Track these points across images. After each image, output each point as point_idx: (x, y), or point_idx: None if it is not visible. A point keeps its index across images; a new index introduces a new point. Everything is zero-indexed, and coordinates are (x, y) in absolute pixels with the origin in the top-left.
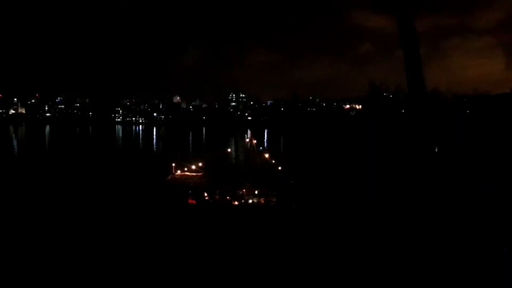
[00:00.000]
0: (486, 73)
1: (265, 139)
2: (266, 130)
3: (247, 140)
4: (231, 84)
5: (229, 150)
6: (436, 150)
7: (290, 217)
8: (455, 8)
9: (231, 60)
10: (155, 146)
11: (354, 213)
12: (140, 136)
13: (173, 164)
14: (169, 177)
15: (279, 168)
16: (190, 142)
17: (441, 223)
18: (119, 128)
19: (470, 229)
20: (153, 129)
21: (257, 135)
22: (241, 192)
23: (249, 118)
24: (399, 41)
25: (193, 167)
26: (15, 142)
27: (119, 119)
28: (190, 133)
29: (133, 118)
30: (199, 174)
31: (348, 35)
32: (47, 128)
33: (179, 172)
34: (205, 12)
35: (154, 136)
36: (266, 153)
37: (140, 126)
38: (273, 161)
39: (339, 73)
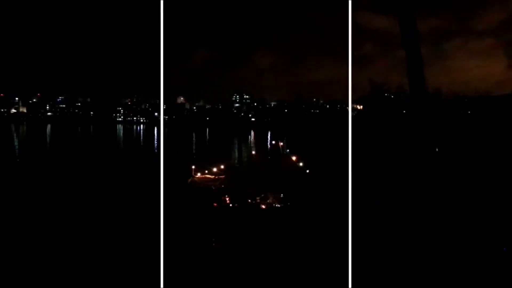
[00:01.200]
0: (487, 74)
1: (268, 140)
2: (269, 132)
3: (272, 143)
4: (235, 85)
5: (253, 152)
6: (437, 150)
7: (309, 220)
8: (457, 9)
9: (235, 61)
10: (155, 146)
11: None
12: (141, 137)
13: (193, 167)
14: (189, 180)
15: (307, 171)
16: (194, 142)
17: (441, 223)
18: (120, 127)
19: (471, 228)
20: (154, 129)
21: (260, 136)
22: (263, 195)
23: (253, 119)
24: (401, 41)
25: (214, 169)
26: (16, 141)
27: (120, 119)
28: (193, 134)
29: (134, 118)
30: (221, 176)
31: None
32: (48, 127)
33: (199, 174)
34: (209, 13)
35: (155, 137)
36: (293, 155)
37: (141, 126)
38: (301, 164)
39: (341, 73)
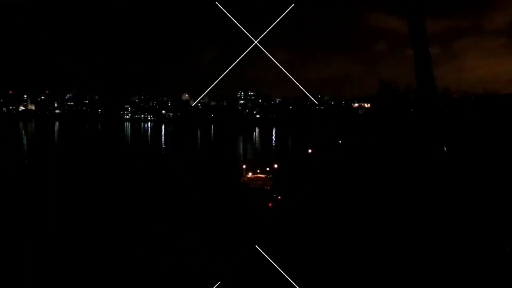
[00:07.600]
0: (497, 73)
1: (273, 137)
2: (274, 129)
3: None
4: (240, 82)
5: (309, 150)
6: (445, 149)
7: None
8: (468, 9)
9: (242, 58)
10: (164, 144)
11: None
12: (149, 134)
13: (244, 166)
14: (242, 179)
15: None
16: (199, 139)
17: (443, 222)
18: (127, 125)
19: (475, 228)
20: (161, 126)
21: (266, 133)
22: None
23: (258, 116)
24: (410, 40)
25: (267, 169)
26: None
27: (127, 116)
28: (199, 131)
29: (142, 115)
30: (270, 176)
31: (361, 35)
32: (57, 124)
33: (250, 174)
34: (214, 11)
35: (163, 134)
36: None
37: (149, 123)
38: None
39: (349, 71)
